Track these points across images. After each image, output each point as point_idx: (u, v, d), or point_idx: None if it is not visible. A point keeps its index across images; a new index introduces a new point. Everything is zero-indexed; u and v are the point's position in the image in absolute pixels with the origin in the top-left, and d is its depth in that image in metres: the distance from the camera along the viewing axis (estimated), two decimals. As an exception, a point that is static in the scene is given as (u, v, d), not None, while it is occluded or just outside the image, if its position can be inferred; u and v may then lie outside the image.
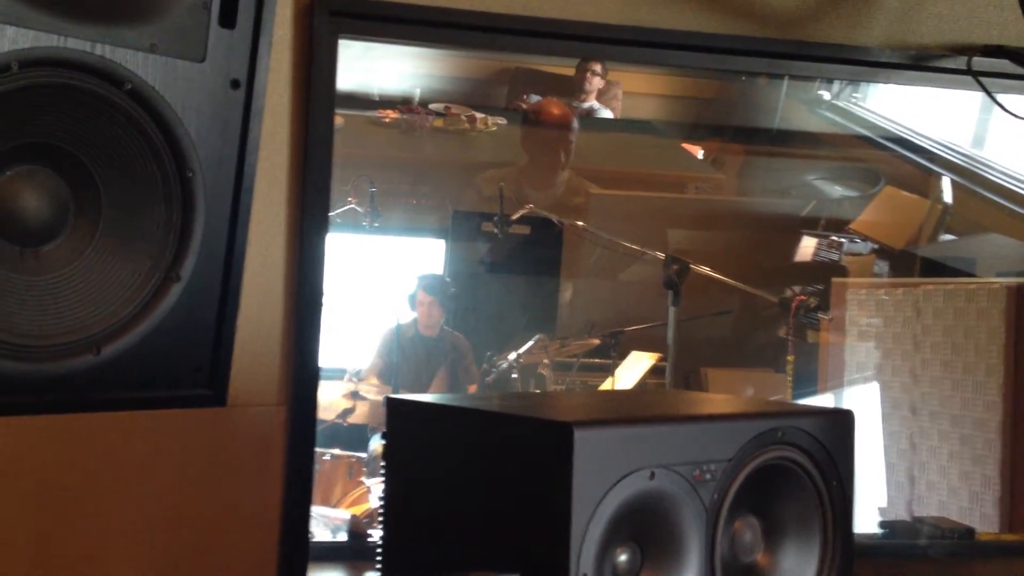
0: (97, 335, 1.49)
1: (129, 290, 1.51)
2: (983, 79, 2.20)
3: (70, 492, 1.77)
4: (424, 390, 3.96)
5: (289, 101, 1.93)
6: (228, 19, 1.54)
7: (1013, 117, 2.25)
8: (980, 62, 2.20)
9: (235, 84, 1.57)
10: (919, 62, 2.24)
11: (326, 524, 2.51)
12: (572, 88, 4.59)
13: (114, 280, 1.50)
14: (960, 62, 2.22)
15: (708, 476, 1.32)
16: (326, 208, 1.97)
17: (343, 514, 3.04)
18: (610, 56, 3.22)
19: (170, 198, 1.52)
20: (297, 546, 1.94)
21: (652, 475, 1.26)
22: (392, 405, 1.51)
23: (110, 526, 1.81)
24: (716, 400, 1.89)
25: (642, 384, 3.88)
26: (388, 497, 1.50)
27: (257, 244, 1.77)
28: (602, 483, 1.22)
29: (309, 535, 1.99)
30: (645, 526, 1.28)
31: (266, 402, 1.92)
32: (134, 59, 1.45)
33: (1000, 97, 2.25)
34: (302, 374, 1.95)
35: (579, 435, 1.21)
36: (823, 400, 3.74)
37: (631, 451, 1.25)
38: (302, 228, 1.94)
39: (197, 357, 1.61)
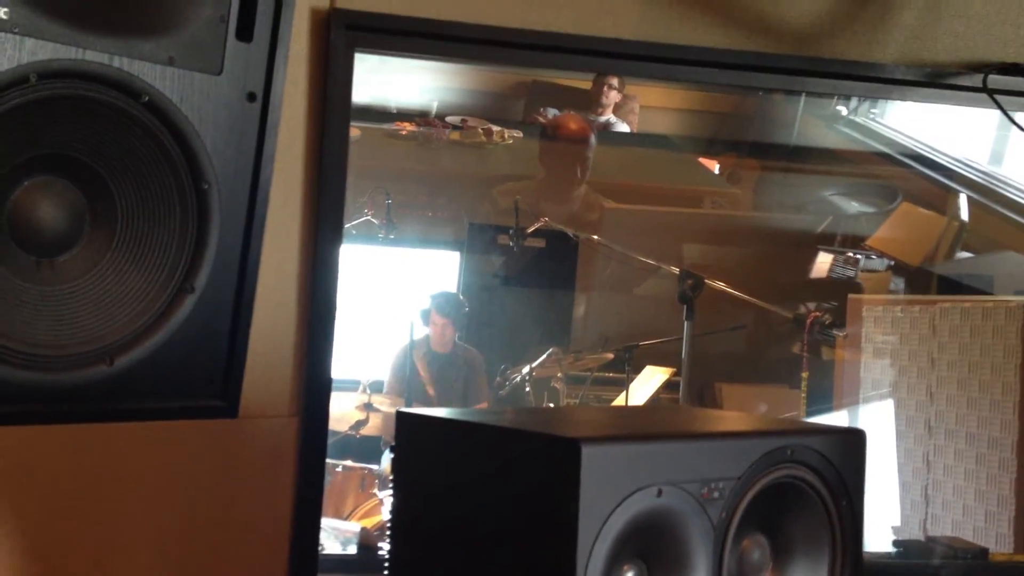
0: (111, 346, 1.49)
1: (143, 301, 1.52)
2: (999, 97, 2.19)
3: (82, 501, 1.78)
4: (437, 405, 3.96)
5: (305, 114, 1.94)
6: (245, 32, 1.55)
7: (1029, 135, 2.24)
8: (996, 80, 2.20)
9: (251, 97, 1.58)
10: (935, 79, 2.24)
11: (336, 536, 2.52)
12: (589, 102, 4.60)
13: (129, 291, 1.51)
14: (976, 79, 2.21)
15: (716, 494, 1.31)
16: (340, 220, 1.98)
17: (353, 526, 3.04)
18: (626, 71, 3.23)
19: (186, 210, 1.53)
20: (307, 558, 1.94)
21: (660, 492, 1.26)
22: (402, 419, 1.51)
23: (121, 536, 1.82)
24: (725, 417, 1.88)
25: (656, 399, 3.87)
26: (396, 510, 1.50)
27: (271, 256, 1.78)
28: (609, 500, 1.22)
29: (319, 547, 1.99)
30: (652, 543, 1.28)
31: (278, 413, 1.93)
32: (151, 72, 1.46)
33: (1016, 115, 2.24)
34: (314, 385, 1.95)
35: (587, 451, 1.20)
36: (838, 417, 3.72)
37: (639, 468, 1.25)
38: (316, 240, 1.95)
39: (210, 368, 1.62)
